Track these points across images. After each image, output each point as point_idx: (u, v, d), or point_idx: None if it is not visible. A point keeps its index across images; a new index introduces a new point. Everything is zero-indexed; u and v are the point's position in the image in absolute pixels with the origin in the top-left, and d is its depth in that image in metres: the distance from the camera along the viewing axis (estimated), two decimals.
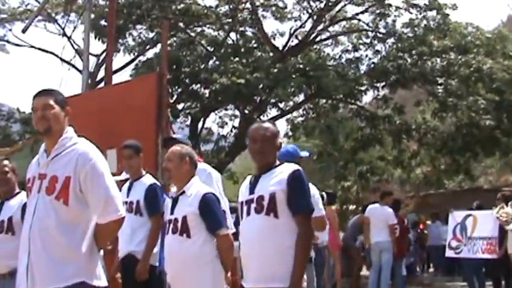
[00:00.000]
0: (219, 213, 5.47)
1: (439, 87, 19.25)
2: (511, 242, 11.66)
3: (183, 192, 5.52)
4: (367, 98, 22.96)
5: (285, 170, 4.55)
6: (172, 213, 5.51)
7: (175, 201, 5.58)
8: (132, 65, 21.73)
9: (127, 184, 7.12)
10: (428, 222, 22.34)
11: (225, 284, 5.27)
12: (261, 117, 21.39)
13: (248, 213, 4.58)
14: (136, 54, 21.98)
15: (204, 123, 22.61)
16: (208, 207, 5.40)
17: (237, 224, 4.99)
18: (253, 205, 4.54)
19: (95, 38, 18.88)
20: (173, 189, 5.83)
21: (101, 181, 3.97)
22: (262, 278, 4.42)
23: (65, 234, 3.90)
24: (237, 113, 22.32)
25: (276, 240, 4.41)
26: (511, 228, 11.53)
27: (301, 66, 18.56)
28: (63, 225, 3.90)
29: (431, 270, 22.92)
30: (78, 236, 3.94)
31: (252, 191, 4.61)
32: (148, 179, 7.06)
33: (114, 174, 7.21)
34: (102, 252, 6.82)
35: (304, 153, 7.36)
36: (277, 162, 4.69)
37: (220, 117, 23.06)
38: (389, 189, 21.68)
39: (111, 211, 3.99)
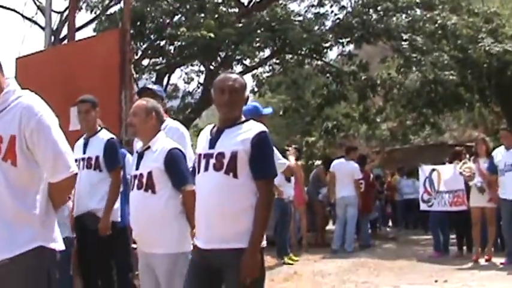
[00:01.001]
0: (185, 169, 5.37)
1: (403, 43, 19.25)
2: (474, 196, 11.84)
3: (149, 147, 5.41)
4: (333, 54, 22.94)
5: (250, 129, 4.40)
6: (137, 168, 5.39)
7: (140, 156, 5.44)
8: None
9: (81, 140, 7.06)
10: (396, 177, 22.56)
11: (190, 240, 5.22)
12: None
13: (206, 169, 4.42)
14: (100, 11, 21.66)
15: (169, 79, 22.49)
16: (173, 162, 5.30)
17: (193, 174, 4.78)
18: (212, 161, 4.39)
19: None
20: (138, 144, 5.76)
21: (48, 136, 3.58)
22: (217, 238, 4.33)
23: (16, 197, 3.55)
24: (203, 68, 22.19)
25: (233, 201, 4.29)
26: (475, 182, 11.69)
27: (266, 20, 18.41)
28: (14, 188, 3.55)
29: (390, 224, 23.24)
30: (31, 199, 3.61)
31: (212, 145, 4.45)
32: (105, 134, 7.02)
33: (78, 132, 7.20)
34: (67, 211, 6.80)
35: (267, 110, 7.24)
36: (243, 118, 4.55)
37: (186, 73, 22.95)
38: (356, 144, 21.88)
39: (61, 168, 3.63)
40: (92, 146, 6.93)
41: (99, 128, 7.06)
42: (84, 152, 6.89)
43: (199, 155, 4.53)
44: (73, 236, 6.96)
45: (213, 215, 4.34)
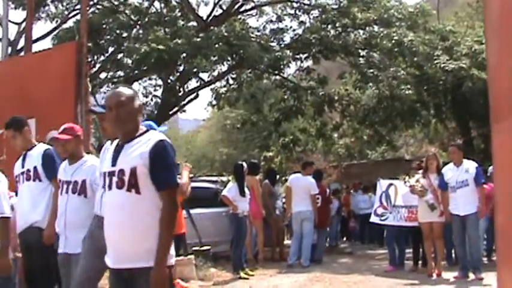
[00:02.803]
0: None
1: (361, 59, 19.47)
2: (422, 212, 11.94)
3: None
4: (291, 69, 23.13)
5: (149, 139, 4.27)
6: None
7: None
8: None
9: (21, 157, 7.08)
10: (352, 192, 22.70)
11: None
12: (184, 86, 21.37)
13: (110, 187, 4.30)
14: (58, 22, 21.55)
15: None
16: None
17: None
18: (114, 179, 4.27)
19: (12, 4, 18.36)
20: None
21: None
22: (124, 258, 4.21)
23: None
24: (161, 82, 22.21)
25: (138, 218, 4.16)
26: (426, 199, 11.78)
27: (224, 35, 18.48)
28: None
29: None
30: None
31: (114, 163, 4.32)
32: (41, 147, 7.03)
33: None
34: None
35: (162, 128, 7.32)
36: (142, 129, 4.40)
37: (144, 87, 22.96)
38: (313, 159, 21.94)
39: None
40: (30, 158, 6.93)
41: (35, 143, 7.08)
42: (23, 166, 6.91)
43: (104, 173, 4.41)
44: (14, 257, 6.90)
45: (119, 235, 4.24)
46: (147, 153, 4.21)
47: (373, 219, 13.64)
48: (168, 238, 4.20)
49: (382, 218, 13.31)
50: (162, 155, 4.25)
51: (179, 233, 10.94)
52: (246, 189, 12.70)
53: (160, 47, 16.35)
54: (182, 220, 11.27)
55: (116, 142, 4.49)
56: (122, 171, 4.24)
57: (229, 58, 18.79)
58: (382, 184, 13.69)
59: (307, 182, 14.21)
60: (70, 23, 20.88)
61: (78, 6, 19.71)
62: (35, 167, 6.82)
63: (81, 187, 5.85)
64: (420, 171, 12.15)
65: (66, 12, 21.26)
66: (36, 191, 6.75)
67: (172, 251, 4.31)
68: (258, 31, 21.18)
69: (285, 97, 22.03)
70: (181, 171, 9.32)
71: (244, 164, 13.10)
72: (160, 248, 4.13)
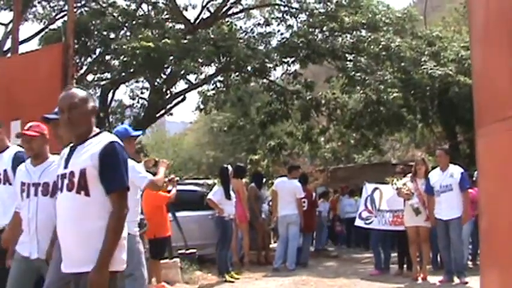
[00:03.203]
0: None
1: (348, 63, 19.50)
2: (408, 216, 11.99)
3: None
4: (279, 72, 23.14)
5: (99, 141, 4.22)
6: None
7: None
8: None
9: None
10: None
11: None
12: (171, 89, 21.35)
13: (61, 190, 4.26)
14: (46, 23, 21.49)
15: (113, 95, 22.39)
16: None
17: None
18: (65, 181, 4.23)
19: None
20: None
21: None
22: (75, 260, 4.15)
23: None
24: (148, 85, 22.18)
25: (87, 221, 4.10)
26: (412, 203, 11.83)
27: (212, 37, 18.46)
28: None
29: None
30: None
31: (66, 165, 4.29)
32: (13, 149, 6.88)
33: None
34: None
35: (136, 133, 7.31)
36: (95, 131, 4.35)
37: (131, 89, 22.94)
38: (300, 163, 21.95)
39: None
40: (1, 161, 6.78)
41: (9, 145, 6.94)
42: None
43: (57, 176, 4.36)
44: None
45: (69, 237, 4.19)
46: (97, 154, 4.17)
47: (358, 222, 13.65)
48: (113, 242, 4.11)
49: (367, 222, 13.33)
50: (111, 156, 4.20)
51: (165, 236, 10.94)
52: (232, 193, 12.70)
53: (150, 44, 16.30)
54: (168, 223, 11.25)
55: (70, 145, 4.44)
56: (72, 173, 4.20)
57: (216, 60, 18.77)
58: (368, 188, 13.73)
59: (292, 185, 14.22)
60: (57, 24, 20.85)
61: (66, 8, 19.67)
62: (5, 170, 6.67)
63: (52, 189, 5.69)
64: (408, 175, 12.19)
65: (53, 14, 21.19)
66: (6, 194, 6.56)
67: (123, 257, 4.25)
68: (246, 33, 21.19)
69: (272, 101, 22.03)
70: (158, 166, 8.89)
71: (230, 167, 13.10)
72: (103, 251, 4.04)
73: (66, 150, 4.42)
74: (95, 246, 4.05)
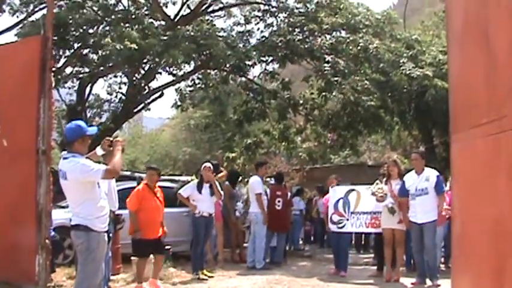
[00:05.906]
0: None
1: (326, 64, 19.50)
2: (385, 217, 12.06)
3: None
4: (257, 71, 23.17)
5: None
6: None
7: None
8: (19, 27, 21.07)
9: None
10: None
11: None
12: (149, 85, 21.30)
13: None
14: (24, 15, 21.29)
15: (91, 89, 22.29)
16: None
17: None
18: None
19: None
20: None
21: None
22: None
23: None
24: (126, 80, 22.09)
25: None
26: (386, 203, 11.92)
27: (191, 34, 18.41)
28: None
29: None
30: None
31: None
32: None
33: None
34: None
35: (92, 130, 7.01)
36: None
37: (109, 84, 22.85)
38: (276, 162, 21.96)
39: None
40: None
41: None
42: None
43: None
44: None
45: None
46: None
47: (331, 227, 13.52)
48: None
49: (339, 226, 13.23)
50: None
51: (149, 237, 10.88)
52: (209, 190, 12.62)
53: (134, 46, 16.25)
54: (158, 225, 11.18)
55: None
56: None
57: (195, 57, 18.74)
58: (337, 190, 13.63)
59: (251, 181, 14.29)
60: (36, 17, 20.68)
61: (45, 0, 19.51)
62: None
63: None
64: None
65: (32, 6, 21.00)
66: None
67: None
68: (225, 32, 21.15)
69: (249, 99, 22.03)
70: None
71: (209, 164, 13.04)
72: None
73: None
74: None
